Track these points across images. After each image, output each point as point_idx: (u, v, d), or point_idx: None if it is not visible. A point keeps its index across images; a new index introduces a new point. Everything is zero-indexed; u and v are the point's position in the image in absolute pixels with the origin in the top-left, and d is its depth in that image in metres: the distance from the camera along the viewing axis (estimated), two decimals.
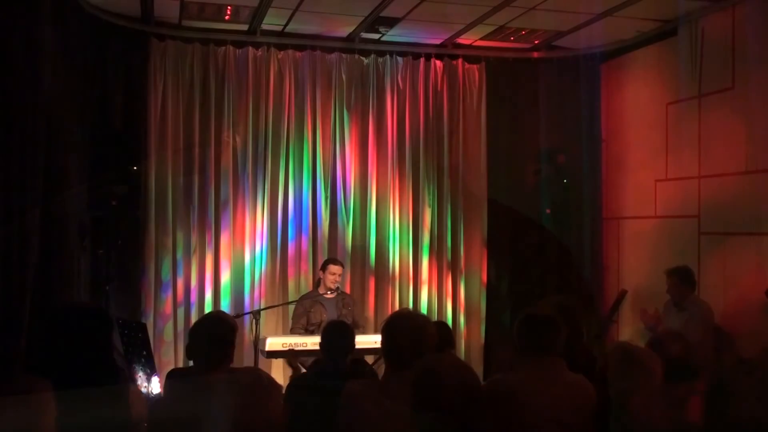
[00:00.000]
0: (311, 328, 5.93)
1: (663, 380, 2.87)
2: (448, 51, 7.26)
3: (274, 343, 5.41)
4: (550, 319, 3.22)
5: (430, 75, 7.23)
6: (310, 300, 6.09)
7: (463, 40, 7.07)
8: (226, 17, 6.37)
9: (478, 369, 6.83)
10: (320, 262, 6.84)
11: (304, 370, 5.23)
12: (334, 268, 6.14)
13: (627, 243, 7.08)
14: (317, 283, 6.27)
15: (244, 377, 2.41)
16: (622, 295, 6.96)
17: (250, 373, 2.47)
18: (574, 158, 7.20)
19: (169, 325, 6.51)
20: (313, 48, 6.96)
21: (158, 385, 4.56)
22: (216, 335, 3.03)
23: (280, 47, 6.89)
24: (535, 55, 7.37)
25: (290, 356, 5.47)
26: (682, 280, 5.58)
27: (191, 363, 3.25)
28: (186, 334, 6.45)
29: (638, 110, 6.95)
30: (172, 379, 3.73)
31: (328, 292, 6.08)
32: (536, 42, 7.14)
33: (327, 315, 5.92)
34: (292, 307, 6.73)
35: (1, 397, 2.19)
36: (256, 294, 6.75)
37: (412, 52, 7.21)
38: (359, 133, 7.09)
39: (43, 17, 4.56)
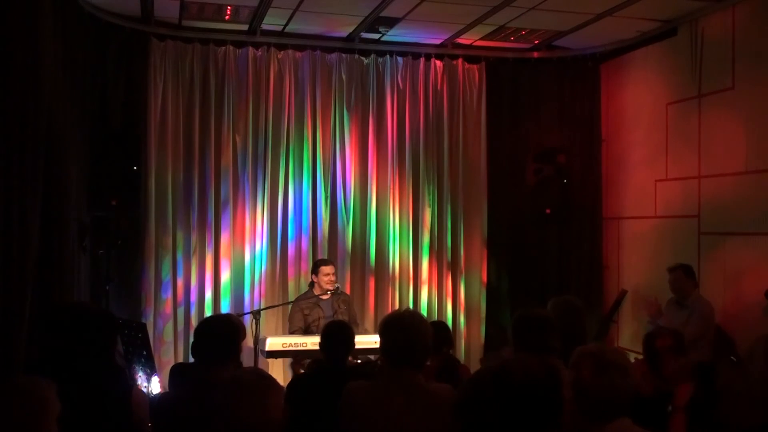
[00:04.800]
0: (312, 331, 5.86)
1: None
2: (448, 51, 7.27)
3: (274, 343, 5.41)
4: (545, 318, 3.22)
5: (430, 75, 7.23)
6: (306, 302, 6.02)
7: (463, 40, 7.07)
8: (226, 17, 6.37)
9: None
10: None
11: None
12: (326, 269, 6.03)
13: (627, 243, 7.08)
14: (311, 284, 6.19)
15: (246, 377, 2.41)
16: (622, 295, 6.97)
17: (252, 373, 2.47)
18: (574, 158, 7.20)
19: (169, 325, 6.51)
20: (313, 48, 6.96)
21: (158, 385, 4.57)
22: (220, 334, 3.03)
23: (280, 47, 6.89)
24: (535, 55, 7.38)
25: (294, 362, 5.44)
26: (686, 274, 5.60)
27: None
28: (186, 334, 6.47)
29: (638, 110, 6.95)
30: (175, 375, 3.73)
31: (325, 294, 6.01)
32: (536, 42, 7.15)
33: (325, 316, 5.85)
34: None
35: (3, 397, 2.19)
36: (256, 294, 6.75)
37: (412, 52, 7.21)
38: (359, 133, 7.09)
39: (43, 17, 4.55)
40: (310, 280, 6.30)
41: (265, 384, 2.38)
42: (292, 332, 5.94)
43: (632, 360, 3.76)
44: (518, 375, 2.19)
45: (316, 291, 6.05)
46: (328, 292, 5.98)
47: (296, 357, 5.51)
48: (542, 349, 3.05)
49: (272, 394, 2.36)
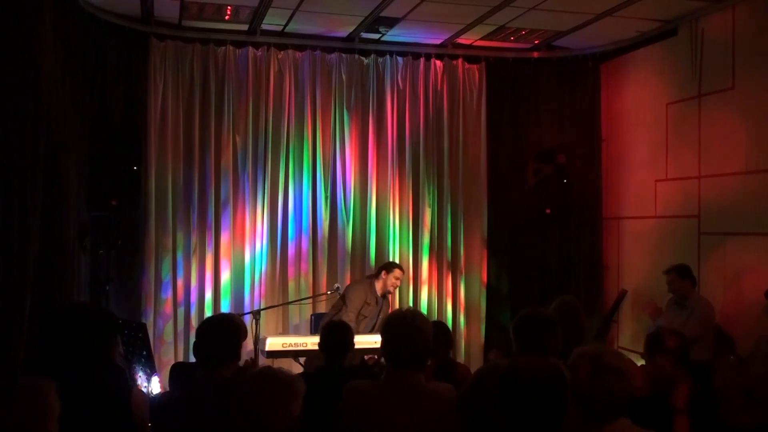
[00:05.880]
0: (360, 318, 5.94)
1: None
2: (448, 51, 7.27)
3: (274, 343, 5.42)
4: (547, 318, 3.22)
5: (430, 75, 7.24)
6: (372, 294, 6.04)
7: (463, 40, 7.07)
8: (226, 17, 6.37)
9: None
10: (320, 262, 6.88)
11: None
12: (399, 273, 6.14)
13: (627, 243, 7.08)
14: (374, 276, 6.21)
15: (257, 378, 2.41)
16: (622, 295, 6.97)
17: (264, 374, 2.47)
18: (574, 158, 7.19)
19: (169, 325, 6.51)
20: (313, 48, 6.96)
21: (158, 385, 4.57)
22: (222, 334, 3.03)
23: (280, 47, 6.89)
24: (535, 55, 7.38)
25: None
26: (680, 275, 5.59)
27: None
28: (186, 334, 6.47)
29: (638, 110, 6.95)
30: (176, 375, 3.73)
31: (384, 294, 6.10)
32: (536, 42, 7.15)
33: (377, 313, 5.97)
34: (292, 307, 6.75)
35: (3, 396, 2.19)
36: (256, 294, 6.75)
37: (412, 52, 7.21)
38: (359, 133, 7.09)
39: (43, 18, 4.55)
40: (374, 272, 6.31)
41: (279, 384, 2.38)
42: (347, 314, 5.82)
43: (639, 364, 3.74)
44: (525, 376, 2.20)
45: (378, 286, 6.08)
46: (385, 295, 6.09)
47: (296, 356, 5.51)
48: (543, 349, 3.05)
49: (288, 393, 2.37)
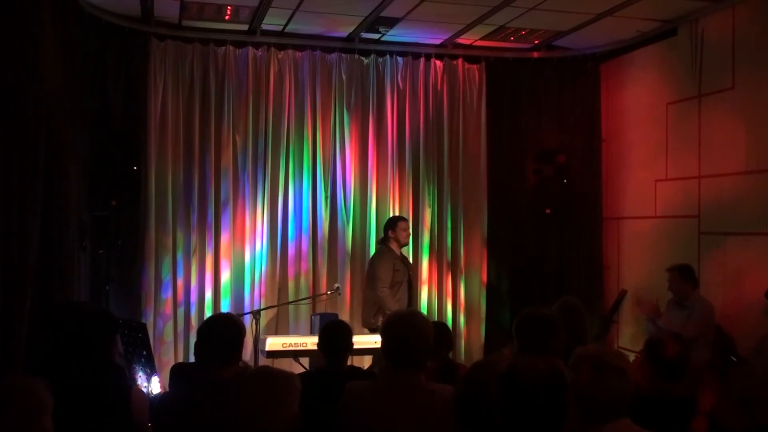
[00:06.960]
0: (395, 287, 6.09)
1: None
2: (448, 51, 7.27)
3: (274, 343, 5.42)
4: (549, 319, 3.21)
5: (430, 75, 7.24)
6: (394, 259, 6.18)
7: (463, 40, 7.08)
8: (226, 17, 6.37)
9: None
10: (320, 262, 6.88)
11: None
12: (404, 224, 6.31)
13: (627, 243, 7.08)
14: (384, 241, 6.31)
15: (254, 377, 2.41)
16: (622, 295, 6.97)
17: (261, 373, 2.47)
18: (574, 158, 7.20)
19: (169, 325, 6.51)
20: (313, 48, 6.96)
21: (158, 385, 4.57)
22: (224, 335, 3.03)
23: (280, 47, 6.89)
24: (535, 55, 7.38)
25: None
26: (682, 275, 5.58)
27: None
28: (186, 334, 6.47)
29: (638, 110, 6.95)
30: (176, 376, 3.72)
31: (401, 250, 6.27)
32: (536, 42, 7.15)
33: (408, 274, 6.23)
34: (292, 307, 6.74)
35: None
36: (256, 294, 6.75)
37: (412, 52, 7.21)
38: (359, 133, 7.09)
39: (44, 18, 4.55)
40: (381, 238, 6.41)
41: (275, 383, 2.38)
42: (380, 289, 6.00)
43: (631, 359, 3.74)
44: (525, 377, 2.19)
45: (394, 247, 6.21)
46: (401, 248, 6.28)
47: (296, 356, 5.51)
48: (545, 349, 3.04)
49: (285, 392, 2.37)
